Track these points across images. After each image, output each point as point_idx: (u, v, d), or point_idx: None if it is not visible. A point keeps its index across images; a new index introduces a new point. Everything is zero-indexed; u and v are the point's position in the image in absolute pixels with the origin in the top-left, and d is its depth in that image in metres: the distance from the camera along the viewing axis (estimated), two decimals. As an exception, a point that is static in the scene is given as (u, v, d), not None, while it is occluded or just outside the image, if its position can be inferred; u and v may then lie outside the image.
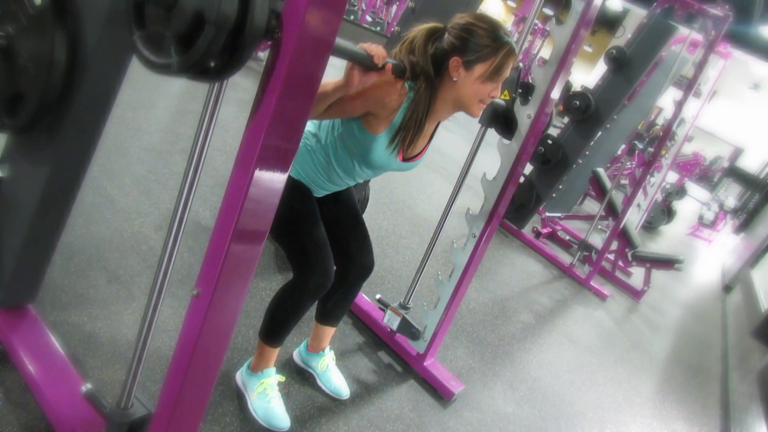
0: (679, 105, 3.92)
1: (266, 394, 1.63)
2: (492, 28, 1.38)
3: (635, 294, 4.52)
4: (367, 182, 2.68)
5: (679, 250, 7.84)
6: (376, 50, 1.20)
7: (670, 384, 3.30)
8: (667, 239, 8.07)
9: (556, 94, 1.87)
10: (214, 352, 1.06)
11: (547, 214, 4.98)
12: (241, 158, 0.93)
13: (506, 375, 2.51)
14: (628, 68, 4.09)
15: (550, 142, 4.26)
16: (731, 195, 12.22)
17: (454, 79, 1.38)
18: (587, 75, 16.64)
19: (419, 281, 2.24)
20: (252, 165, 0.90)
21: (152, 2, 0.82)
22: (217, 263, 0.95)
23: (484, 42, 1.36)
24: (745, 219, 10.27)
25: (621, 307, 4.22)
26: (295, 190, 1.52)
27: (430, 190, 4.60)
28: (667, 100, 6.75)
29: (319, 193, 1.61)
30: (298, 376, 1.86)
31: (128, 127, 2.99)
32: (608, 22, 16.70)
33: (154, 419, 1.09)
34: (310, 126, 1.53)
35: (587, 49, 18.08)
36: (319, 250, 1.51)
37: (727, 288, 6.48)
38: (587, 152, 4.80)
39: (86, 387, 1.24)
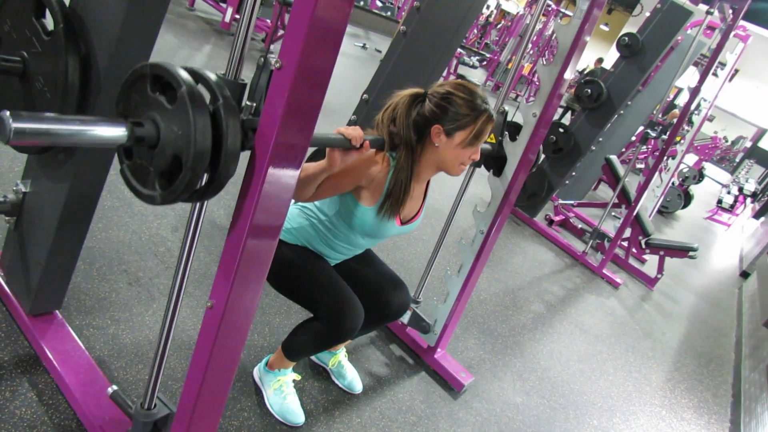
0: (695, 92, 3.87)
1: (282, 390, 1.70)
2: (470, 97, 1.44)
3: (649, 281, 4.52)
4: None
5: (696, 235, 7.77)
6: (353, 132, 1.26)
7: (681, 373, 3.32)
8: (684, 224, 7.99)
9: (561, 92, 1.89)
10: (229, 359, 1.12)
11: (560, 201, 4.98)
12: (246, 188, 0.98)
13: (516, 365, 2.56)
14: (642, 55, 4.04)
15: (561, 130, 4.24)
16: (752, 178, 11.98)
17: (436, 144, 1.46)
18: (603, 54, 16.34)
19: (430, 273, 2.30)
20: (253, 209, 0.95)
21: (137, 144, 0.89)
22: (229, 277, 1.01)
23: (462, 111, 1.43)
24: (766, 203, 10.08)
25: (634, 295, 4.23)
26: (302, 252, 1.58)
27: (442, 179, 4.61)
28: (687, 80, 6.63)
29: (329, 262, 1.66)
30: (313, 372, 1.93)
31: (144, 127, 3.06)
32: (625, 1, 16.31)
33: (176, 421, 1.16)
34: (311, 204, 1.59)
35: (603, 28, 17.73)
36: (343, 297, 1.53)
37: (745, 274, 6.41)
38: (601, 138, 4.77)
39: (112, 389, 1.33)
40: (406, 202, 1.50)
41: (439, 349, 2.26)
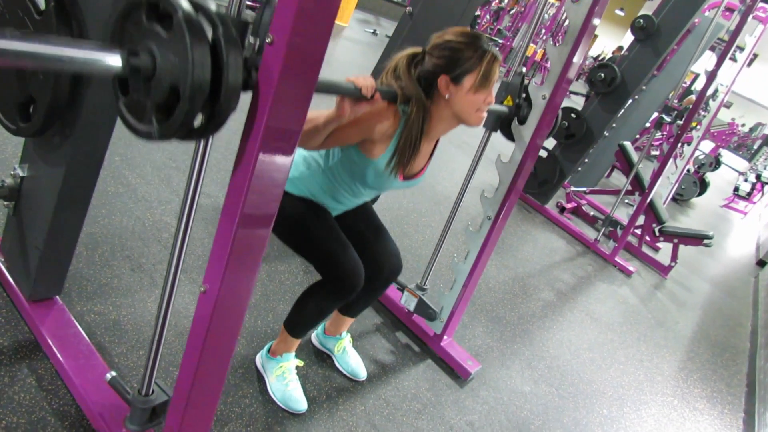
0: (711, 75, 3.75)
1: (284, 377, 1.68)
2: (471, 40, 1.40)
3: (662, 270, 4.44)
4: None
5: (712, 223, 7.63)
6: (364, 82, 1.22)
7: (695, 362, 3.26)
8: (699, 212, 7.85)
9: (572, 74, 1.82)
10: (224, 344, 1.10)
11: (572, 188, 4.91)
12: (240, 164, 0.94)
13: (524, 354, 2.52)
14: (657, 38, 3.91)
15: (574, 116, 4.15)
16: (770, 164, 11.73)
17: (446, 96, 1.41)
18: (619, 41, 16.01)
19: (437, 260, 2.26)
20: (249, 174, 0.92)
21: (132, 75, 0.84)
22: (222, 260, 0.98)
23: (466, 55, 1.38)
24: (784, 189, 9.86)
25: (646, 284, 4.16)
26: (306, 206, 1.56)
27: (452, 166, 4.56)
28: (704, 65, 6.47)
29: (332, 212, 1.64)
30: (317, 358, 1.91)
31: (149, 114, 3.04)
32: (641, -16, 15.96)
33: (171, 407, 1.14)
34: (315, 153, 1.56)
35: (619, 13, 17.36)
36: (346, 254, 1.53)
37: (761, 262, 6.29)
38: (614, 124, 4.66)
39: (110, 375, 1.31)
40: (413, 160, 1.45)
41: (445, 337, 2.22)
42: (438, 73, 1.40)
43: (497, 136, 2.03)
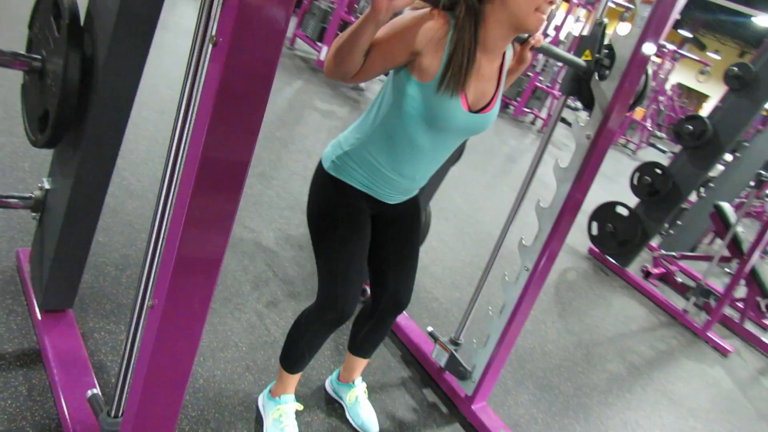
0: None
1: (281, 421, 1.57)
2: None
3: (770, 353, 3.80)
4: (426, 202, 2.55)
5: None
6: None
7: (805, 469, 2.67)
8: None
9: (620, 113, 1.64)
10: (175, 364, 1.02)
11: (662, 252, 4.43)
12: (185, 170, 0.90)
13: (576, 431, 2.20)
14: (755, 88, 3.51)
15: (658, 171, 3.79)
16: None
17: None
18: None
19: (475, 312, 2.07)
20: (194, 175, 0.87)
21: None
22: (167, 274, 0.93)
23: None
24: None
25: (748, 367, 3.56)
26: (350, 213, 1.41)
27: (520, 221, 4.31)
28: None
29: (389, 196, 1.44)
30: (327, 406, 1.78)
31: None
32: (756, 42, 14.88)
33: (121, 432, 1.08)
34: (365, 119, 1.41)
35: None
36: (347, 287, 1.41)
37: None
38: (711, 184, 4.20)
39: (91, 392, 1.28)
40: (470, 76, 1.23)
41: (478, 400, 2.00)
42: None
43: (542, 172, 1.87)
